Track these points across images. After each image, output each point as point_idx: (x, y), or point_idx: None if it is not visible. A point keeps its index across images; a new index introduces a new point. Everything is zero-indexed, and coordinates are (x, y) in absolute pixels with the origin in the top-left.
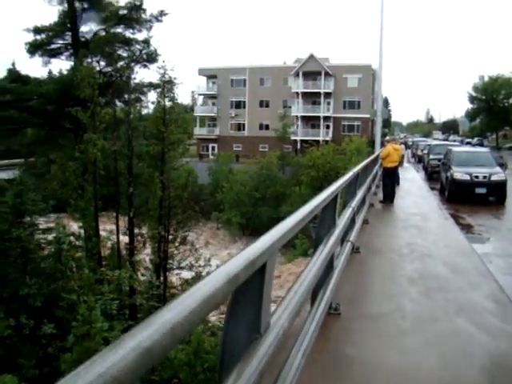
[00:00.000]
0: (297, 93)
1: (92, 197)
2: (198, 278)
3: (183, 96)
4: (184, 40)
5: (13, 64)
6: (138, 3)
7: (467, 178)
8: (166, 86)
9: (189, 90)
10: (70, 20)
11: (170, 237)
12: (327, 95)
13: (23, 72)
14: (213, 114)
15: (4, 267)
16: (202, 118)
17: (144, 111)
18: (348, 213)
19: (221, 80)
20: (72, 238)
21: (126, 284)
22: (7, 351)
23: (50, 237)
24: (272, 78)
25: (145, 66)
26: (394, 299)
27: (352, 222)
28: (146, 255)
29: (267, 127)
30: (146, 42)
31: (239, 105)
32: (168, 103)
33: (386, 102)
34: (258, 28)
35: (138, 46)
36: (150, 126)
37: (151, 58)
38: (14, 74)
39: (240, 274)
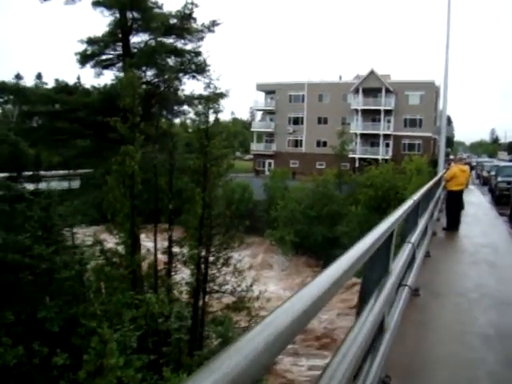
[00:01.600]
0: (356, 109)
1: (129, 212)
2: (241, 301)
3: (242, 111)
4: (244, 55)
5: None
6: (188, 12)
7: None
8: (210, 97)
9: (248, 105)
10: (121, 30)
11: (212, 258)
12: (387, 112)
13: (73, 82)
14: (270, 130)
15: (25, 286)
16: (260, 133)
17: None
18: (406, 252)
19: (279, 96)
20: (109, 254)
21: (156, 309)
22: (16, 382)
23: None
24: (331, 94)
25: (193, 77)
26: (464, 371)
27: (411, 260)
28: (186, 276)
29: (325, 144)
30: (196, 52)
31: (297, 121)
32: (213, 115)
33: (448, 121)
34: (317, 43)
35: (188, 57)
36: (193, 139)
37: (200, 68)
38: (60, 85)
39: None
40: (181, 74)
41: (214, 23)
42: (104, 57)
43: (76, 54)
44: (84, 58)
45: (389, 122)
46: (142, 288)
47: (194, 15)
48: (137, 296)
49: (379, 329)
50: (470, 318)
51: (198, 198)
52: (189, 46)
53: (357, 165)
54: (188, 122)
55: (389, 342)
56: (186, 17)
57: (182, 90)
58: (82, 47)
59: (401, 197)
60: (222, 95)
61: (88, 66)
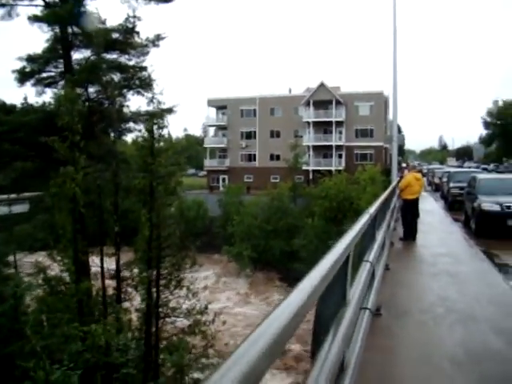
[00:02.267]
0: (308, 122)
1: (71, 237)
2: (196, 325)
3: (196, 128)
4: (195, 71)
5: None
6: (130, 26)
7: (497, 208)
8: (154, 112)
9: (201, 121)
10: (61, 46)
11: (163, 281)
12: (339, 124)
13: (11, 102)
14: (223, 145)
15: None
16: (213, 149)
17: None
18: (365, 273)
19: (230, 111)
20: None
21: (102, 341)
22: None
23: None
24: (282, 107)
25: (138, 93)
26: None
27: (370, 280)
28: (138, 301)
29: (278, 157)
30: (140, 67)
31: (250, 135)
32: (160, 132)
33: (398, 130)
34: (266, 57)
35: (132, 72)
36: (137, 157)
37: (145, 83)
38: None
39: None
40: (125, 90)
41: (158, 37)
42: (45, 74)
43: (13, 71)
44: (23, 76)
45: (340, 133)
46: (93, 317)
47: (138, 29)
48: (81, 327)
49: (339, 369)
50: (436, 338)
51: (144, 219)
52: (133, 62)
53: (311, 177)
54: (140, 139)
55: (351, 381)
56: (128, 31)
57: (127, 106)
58: (21, 65)
59: (356, 207)
60: (169, 110)
61: (28, 84)
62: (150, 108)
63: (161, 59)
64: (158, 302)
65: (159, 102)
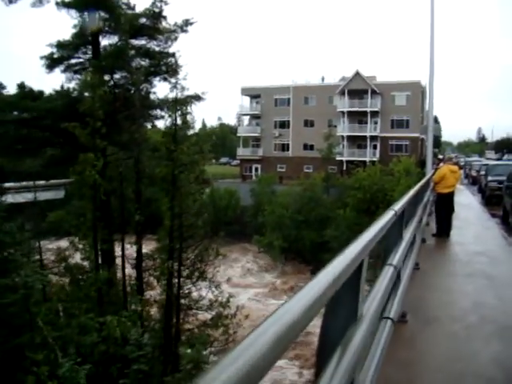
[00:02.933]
0: (342, 112)
1: (90, 225)
2: (218, 318)
3: (230, 117)
4: (228, 60)
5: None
6: (157, 10)
7: None
8: (177, 98)
9: (233, 110)
10: (90, 32)
11: (186, 272)
12: (374, 114)
13: (40, 88)
14: (256, 134)
15: None
16: (246, 138)
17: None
18: (386, 280)
19: (264, 99)
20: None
21: (118, 333)
22: None
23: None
24: (317, 96)
25: (165, 79)
26: None
27: (394, 285)
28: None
29: (312, 147)
30: (167, 53)
31: (283, 124)
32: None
33: (435, 120)
34: (302, 45)
35: (159, 58)
36: (161, 144)
37: (171, 69)
38: (24, 90)
39: None
40: (151, 77)
41: (187, 22)
42: (74, 61)
43: (42, 57)
44: (52, 62)
45: (375, 123)
46: (114, 306)
47: (165, 14)
48: (97, 318)
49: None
50: (469, 352)
51: (166, 208)
52: (160, 47)
53: (344, 167)
54: (164, 126)
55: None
56: (155, 15)
57: (154, 92)
58: (51, 51)
59: (389, 199)
60: (197, 97)
61: (58, 70)
62: (178, 95)
63: (196, 48)
64: (179, 293)
65: (183, 88)
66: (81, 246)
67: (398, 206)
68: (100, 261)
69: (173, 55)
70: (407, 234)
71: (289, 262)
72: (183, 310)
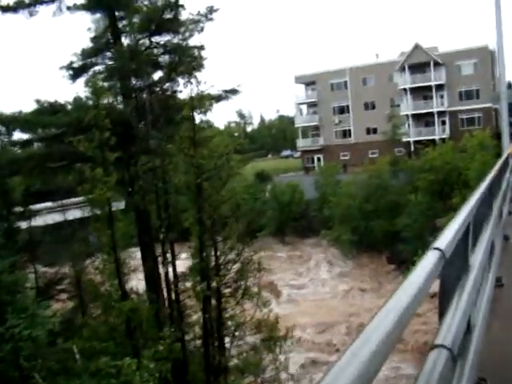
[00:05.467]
0: (404, 89)
1: (111, 250)
2: (270, 339)
3: (288, 108)
4: (280, 50)
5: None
6: (173, 0)
7: None
8: (193, 96)
9: (291, 101)
10: (110, 33)
11: (227, 290)
12: (439, 87)
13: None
14: (315, 123)
15: None
16: (305, 128)
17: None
18: (484, 244)
19: (320, 86)
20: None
21: (137, 381)
22: None
23: None
24: (375, 76)
25: (189, 76)
26: None
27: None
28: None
29: (375, 131)
30: (192, 47)
31: (342, 110)
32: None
33: (508, 87)
34: (350, 26)
35: (185, 53)
36: (176, 150)
37: (197, 65)
38: (43, 105)
39: None
40: (175, 74)
41: (211, 10)
42: (98, 67)
43: (61, 68)
44: (73, 72)
45: (442, 97)
46: (146, 342)
47: (185, 4)
48: (112, 362)
49: (466, 329)
50: None
51: (192, 220)
52: (186, 41)
53: (412, 149)
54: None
55: (478, 341)
56: (171, 5)
57: (180, 91)
58: (73, 60)
59: (464, 178)
60: (233, 91)
61: (82, 80)
62: (209, 91)
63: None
64: (220, 317)
65: (198, 82)
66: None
67: (486, 181)
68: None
69: (201, 48)
70: (495, 207)
71: (362, 255)
72: (224, 336)
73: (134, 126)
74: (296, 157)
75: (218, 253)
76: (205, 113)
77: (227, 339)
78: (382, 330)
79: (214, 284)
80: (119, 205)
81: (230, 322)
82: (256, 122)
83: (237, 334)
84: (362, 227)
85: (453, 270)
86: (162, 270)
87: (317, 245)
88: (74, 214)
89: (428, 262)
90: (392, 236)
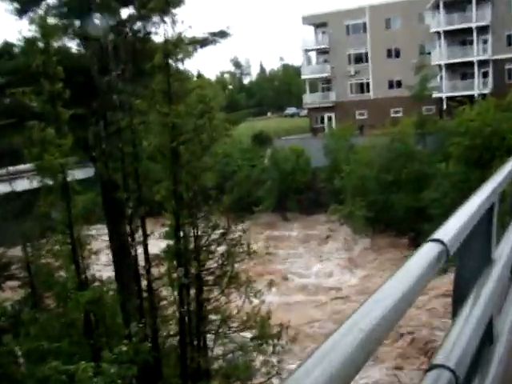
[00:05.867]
0: (438, 32)
1: (66, 228)
2: (262, 337)
3: (295, 57)
4: None
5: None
6: None
7: None
8: (168, 40)
9: (293, 46)
10: None
11: (211, 277)
12: (482, 30)
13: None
14: (326, 75)
15: None
16: (313, 80)
17: None
18: None
19: (332, 28)
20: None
21: None
22: None
23: None
24: (401, 16)
25: (162, 13)
26: None
27: None
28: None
29: (399, 84)
30: None
31: (360, 58)
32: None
33: None
34: None
35: None
36: (142, 105)
37: (173, 2)
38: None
39: None
40: (147, 11)
41: None
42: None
43: None
44: (24, 5)
45: (485, 42)
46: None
47: None
48: (66, 366)
49: (487, 337)
50: None
51: (164, 193)
52: None
53: (444, 107)
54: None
55: (502, 356)
56: None
57: (155, 33)
58: None
59: (509, 143)
60: (221, 34)
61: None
62: (172, 34)
63: None
64: (200, 312)
65: (173, 21)
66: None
67: None
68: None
69: None
70: None
71: (378, 236)
72: (204, 333)
73: (95, 75)
74: (302, 115)
75: (199, 232)
76: (182, 60)
77: (211, 337)
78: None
79: (194, 270)
80: (86, 173)
81: (213, 316)
82: (255, 73)
83: (221, 330)
84: (380, 202)
85: (469, 265)
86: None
87: (324, 222)
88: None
89: (423, 253)
90: (416, 213)
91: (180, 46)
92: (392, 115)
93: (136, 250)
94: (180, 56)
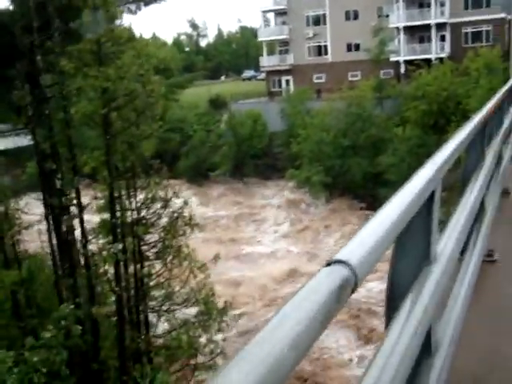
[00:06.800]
0: None
1: None
2: (207, 313)
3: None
4: None
5: None
6: None
7: None
8: None
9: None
10: None
11: (152, 252)
12: None
13: None
14: (284, 37)
15: None
16: (271, 43)
17: None
18: (465, 213)
19: None
20: None
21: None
22: None
23: None
24: None
25: None
26: None
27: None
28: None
29: (357, 47)
30: None
31: (318, 20)
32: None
33: None
34: None
35: None
36: (68, 66)
37: None
38: None
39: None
40: None
41: None
42: None
43: None
44: None
45: (442, 5)
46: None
47: None
48: None
49: (424, 346)
50: None
51: (96, 164)
52: None
53: (402, 70)
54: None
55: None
56: None
57: None
58: None
59: (465, 108)
60: None
61: None
62: None
63: None
64: (139, 288)
65: None
66: None
67: (478, 115)
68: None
69: None
70: (490, 153)
71: (335, 201)
72: (142, 312)
73: (16, 32)
74: (260, 79)
75: (138, 204)
76: (111, 18)
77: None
78: None
79: (131, 245)
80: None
81: (157, 292)
82: (213, 36)
83: (162, 307)
84: (336, 167)
85: (404, 266)
86: (64, 227)
87: (282, 188)
88: None
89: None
90: (373, 178)
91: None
92: (350, 79)
93: (70, 223)
94: (109, 12)
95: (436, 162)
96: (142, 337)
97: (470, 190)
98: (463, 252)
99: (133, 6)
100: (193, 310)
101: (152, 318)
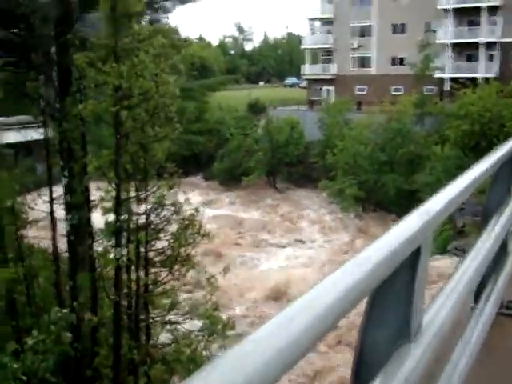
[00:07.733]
0: (446, 9)
1: None
2: (211, 324)
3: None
4: None
5: None
6: None
7: None
8: None
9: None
10: None
11: (158, 259)
12: (492, 10)
13: None
14: (328, 46)
15: None
16: (314, 51)
17: None
18: (479, 258)
19: None
20: None
21: None
22: None
23: None
24: None
25: None
26: None
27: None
28: None
29: (402, 61)
30: None
31: (363, 31)
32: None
33: None
34: None
35: None
36: (80, 60)
37: None
38: None
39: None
40: None
41: None
42: None
43: None
44: None
45: (494, 24)
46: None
47: None
48: None
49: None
50: None
51: (102, 163)
52: None
53: (447, 88)
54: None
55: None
56: None
57: None
58: None
59: (508, 131)
60: None
61: None
62: None
63: None
64: (139, 296)
65: None
66: None
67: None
68: None
69: None
70: None
71: (367, 216)
72: (142, 322)
73: (31, 20)
74: (302, 86)
75: (148, 207)
76: (138, 14)
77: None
78: None
79: (133, 251)
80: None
81: (160, 302)
82: (259, 41)
83: (159, 318)
84: (371, 181)
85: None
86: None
87: (314, 198)
88: None
89: None
90: (407, 196)
91: None
92: (392, 93)
93: (74, 223)
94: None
95: (428, 209)
96: (142, 347)
97: (491, 229)
98: (476, 299)
99: (168, 4)
100: (197, 323)
101: (154, 327)
